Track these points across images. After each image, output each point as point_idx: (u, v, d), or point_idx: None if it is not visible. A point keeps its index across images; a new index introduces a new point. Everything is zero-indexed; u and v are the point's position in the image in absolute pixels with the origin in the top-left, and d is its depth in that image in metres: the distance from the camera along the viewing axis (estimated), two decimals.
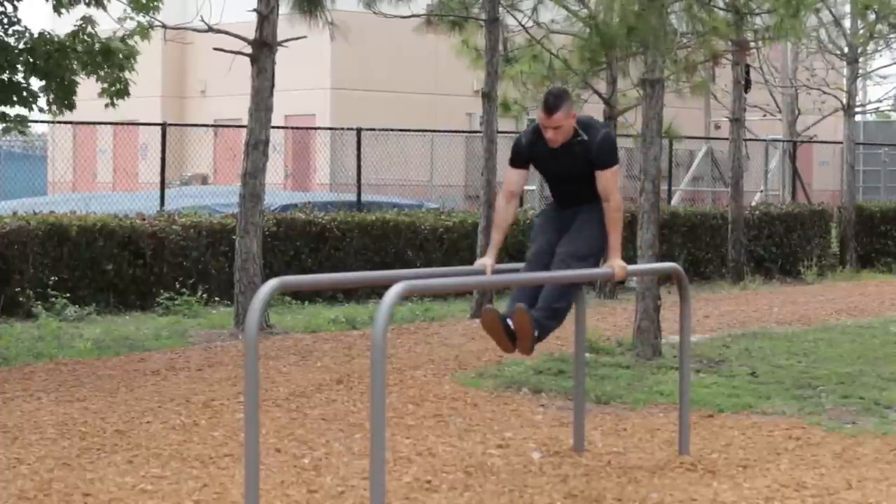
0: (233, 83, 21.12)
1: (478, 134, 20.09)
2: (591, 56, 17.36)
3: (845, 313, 16.83)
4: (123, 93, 13.12)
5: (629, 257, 17.85)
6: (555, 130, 7.59)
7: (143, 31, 13.20)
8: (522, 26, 18.32)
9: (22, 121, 13.27)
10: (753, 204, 25.17)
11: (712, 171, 32.10)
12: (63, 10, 12.97)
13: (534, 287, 7.63)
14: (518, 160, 7.82)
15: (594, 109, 21.06)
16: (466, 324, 15.02)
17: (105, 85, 13.06)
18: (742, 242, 21.32)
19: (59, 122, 14.70)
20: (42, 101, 12.87)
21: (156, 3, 13.19)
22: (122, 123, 21.30)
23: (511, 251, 16.65)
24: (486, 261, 7.68)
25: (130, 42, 13.00)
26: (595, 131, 7.66)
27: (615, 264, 7.70)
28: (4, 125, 12.97)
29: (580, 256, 7.62)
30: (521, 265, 7.99)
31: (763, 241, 22.59)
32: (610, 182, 7.64)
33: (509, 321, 7.44)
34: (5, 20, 12.79)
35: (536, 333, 7.46)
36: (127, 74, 13.06)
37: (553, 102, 7.56)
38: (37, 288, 15.04)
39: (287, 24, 15.09)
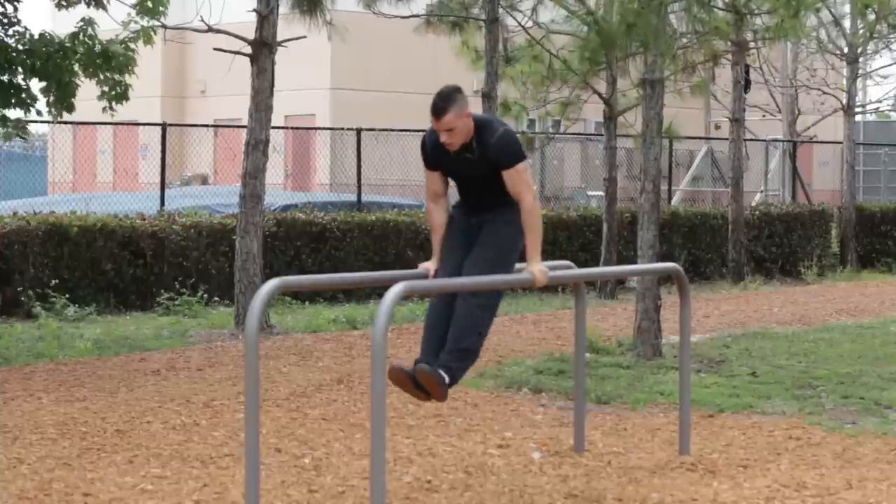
0: (233, 83, 21.11)
1: None
2: (591, 56, 17.37)
3: (845, 313, 16.83)
4: (122, 97, 13.11)
5: (629, 257, 17.96)
6: (448, 133, 7.07)
7: (147, 35, 13.21)
8: (522, 26, 18.32)
9: (22, 126, 13.27)
10: (753, 204, 25.17)
11: (712, 171, 32.12)
12: (64, 5, 12.95)
13: (440, 331, 7.18)
14: (427, 163, 7.35)
15: (594, 109, 21.16)
16: None
17: (105, 89, 13.05)
18: (742, 242, 21.32)
19: (60, 123, 14.69)
20: (42, 103, 12.87)
21: (162, 9, 13.19)
22: (122, 123, 21.29)
23: None
24: (430, 265, 7.35)
25: (133, 46, 12.99)
26: (492, 131, 7.12)
27: (534, 269, 7.20)
28: (5, 130, 12.96)
29: (484, 267, 7.13)
30: None
31: (763, 241, 22.60)
32: (517, 181, 7.11)
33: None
34: (5, 21, 12.78)
35: (447, 380, 7.05)
36: (127, 78, 13.05)
37: (441, 104, 7.04)
38: (37, 288, 15.04)
39: (287, 24, 15.09)
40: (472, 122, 7.14)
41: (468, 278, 7.10)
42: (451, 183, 7.47)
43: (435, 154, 7.28)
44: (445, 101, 7.06)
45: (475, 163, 7.17)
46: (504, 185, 7.17)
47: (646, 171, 12.35)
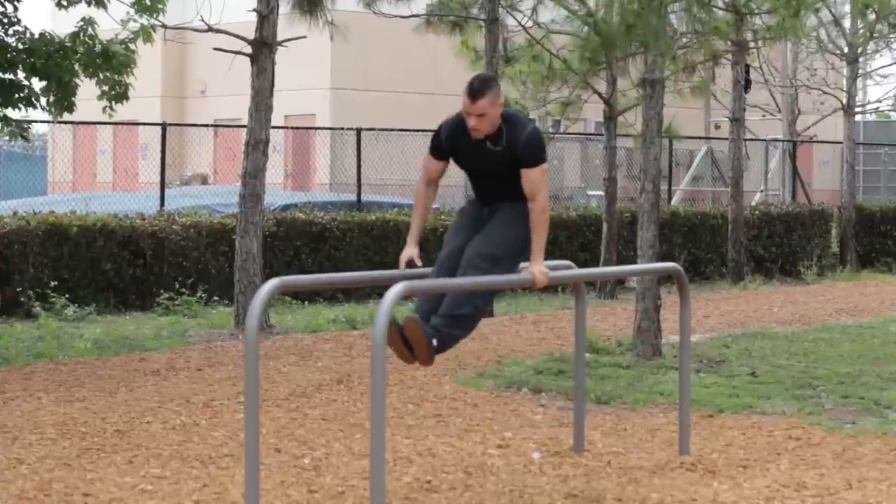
0: (233, 83, 21.12)
1: None
2: (591, 56, 17.37)
3: (845, 313, 16.83)
4: (122, 97, 13.12)
5: (629, 257, 17.96)
6: (479, 118, 6.97)
7: (147, 34, 13.21)
8: (522, 26, 18.32)
9: (24, 127, 13.27)
10: (753, 204, 25.18)
11: (712, 171, 32.12)
12: (64, 5, 12.96)
13: (435, 300, 7.06)
14: (437, 151, 7.21)
15: (594, 109, 21.16)
16: None
17: (105, 89, 13.06)
18: (742, 242, 21.33)
19: (60, 122, 14.70)
20: (42, 102, 12.86)
21: (161, 7, 13.19)
22: (122, 123, 21.29)
23: None
24: (410, 251, 7.22)
25: (133, 45, 12.99)
26: (522, 127, 7.06)
27: (535, 270, 7.11)
28: (9, 130, 12.96)
29: (490, 258, 7.05)
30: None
31: (763, 241, 22.60)
32: (537, 181, 7.06)
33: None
34: (5, 20, 12.78)
35: (434, 343, 6.92)
36: (127, 78, 13.05)
37: (478, 87, 6.94)
38: (36, 288, 15.04)
39: (287, 24, 15.09)
40: (499, 114, 7.06)
41: (469, 279, 7.04)
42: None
43: (452, 142, 7.15)
44: (483, 84, 6.98)
45: (496, 156, 7.09)
46: (516, 183, 7.10)
47: (646, 171, 12.35)
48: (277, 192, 23.54)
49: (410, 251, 7.25)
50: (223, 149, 29.22)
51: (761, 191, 30.38)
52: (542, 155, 7.13)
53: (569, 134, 27.10)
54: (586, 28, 15.81)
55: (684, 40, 16.14)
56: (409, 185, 25.93)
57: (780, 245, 22.84)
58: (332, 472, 7.68)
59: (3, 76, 12.59)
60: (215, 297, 16.24)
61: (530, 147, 7.06)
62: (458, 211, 7.40)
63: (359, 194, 20.48)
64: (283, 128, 24.83)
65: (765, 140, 30.37)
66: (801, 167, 29.89)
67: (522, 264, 7.34)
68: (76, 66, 12.75)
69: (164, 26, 14.12)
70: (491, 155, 7.11)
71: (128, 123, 23.98)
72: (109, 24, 13.26)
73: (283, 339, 13.64)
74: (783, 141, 29.93)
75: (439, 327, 6.99)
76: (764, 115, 30.93)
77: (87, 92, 13.38)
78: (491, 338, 13.64)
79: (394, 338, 6.90)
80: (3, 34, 12.68)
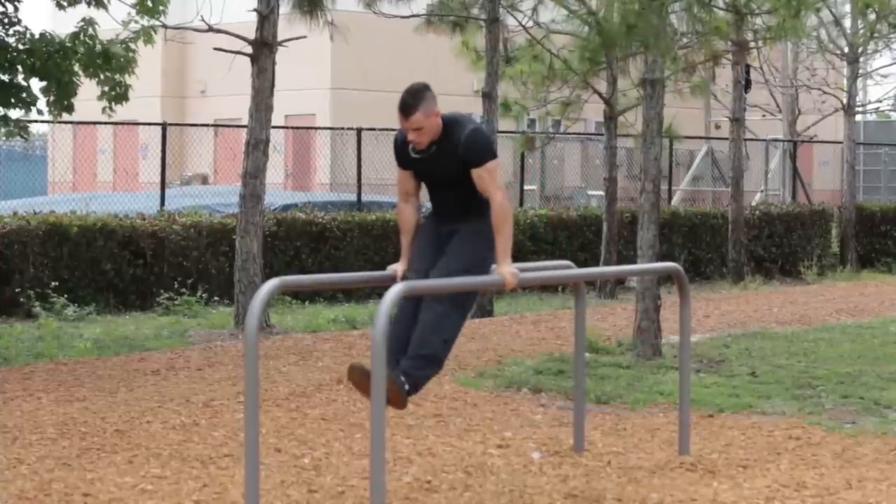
0: (233, 83, 21.11)
1: None
2: (591, 56, 17.36)
3: (845, 313, 16.82)
4: (122, 97, 13.12)
5: (629, 257, 17.95)
6: (416, 132, 6.91)
7: (148, 35, 13.21)
8: (522, 26, 18.32)
9: (23, 126, 13.28)
10: (753, 204, 25.18)
11: (712, 170, 32.13)
12: (64, 5, 12.96)
13: (403, 335, 6.93)
14: (399, 161, 7.18)
15: (594, 109, 21.16)
16: (465, 324, 14.98)
17: (105, 89, 13.06)
18: (742, 242, 21.33)
19: (60, 123, 14.70)
20: (42, 103, 12.86)
21: (162, 8, 13.20)
22: (122, 123, 21.28)
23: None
24: (398, 266, 7.13)
25: (133, 46, 12.99)
26: (461, 128, 6.97)
27: (504, 272, 6.98)
28: (7, 129, 12.96)
29: (453, 274, 6.94)
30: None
31: (763, 241, 22.60)
32: (487, 179, 6.94)
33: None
34: (5, 20, 12.78)
35: (407, 387, 6.83)
36: (127, 78, 13.05)
37: (410, 102, 6.85)
38: (36, 288, 15.04)
39: (287, 24, 15.09)
40: (440, 121, 6.99)
41: (458, 279, 6.96)
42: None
43: (405, 152, 7.11)
44: (414, 98, 6.88)
45: (444, 161, 7.01)
46: (473, 192, 7.02)
47: (646, 171, 12.35)
48: (277, 192, 23.53)
49: (397, 266, 7.18)
50: (223, 149, 29.21)
51: (761, 191, 30.38)
52: (487, 153, 7.00)
53: (569, 134, 27.10)
54: (587, 28, 15.79)
55: (685, 40, 16.13)
56: None
57: (780, 245, 22.85)
58: (332, 471, 7.69)
59: (2, 77, 12.59)
60: (215, 297, 16.24)
61: (470, 147, 6.95)
62: (420, 228, 7.28)
63: (359, 194, 20.48)
64: (283, 128, 24.83)
65: (765, 140, 30.37)
66: (802, 167, 29.88)
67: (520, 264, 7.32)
68: (76, 67, 12.75)
69: (165, 26, 14.12)
70: (439, 162, 7.03)
71: (128, 123, 23.98)
72: (110, 25, 13.25)
73: (283, 338, 13.64)
74: (783, 141, 29.93)
75: (409, 370, 6.89)
76: (764, 115, 30.94)
77: (88, 92, 13.37)
78: (491, 338, 13.65)
79: (360, 382, 6.78)
80: (3, 34, 12.67)
